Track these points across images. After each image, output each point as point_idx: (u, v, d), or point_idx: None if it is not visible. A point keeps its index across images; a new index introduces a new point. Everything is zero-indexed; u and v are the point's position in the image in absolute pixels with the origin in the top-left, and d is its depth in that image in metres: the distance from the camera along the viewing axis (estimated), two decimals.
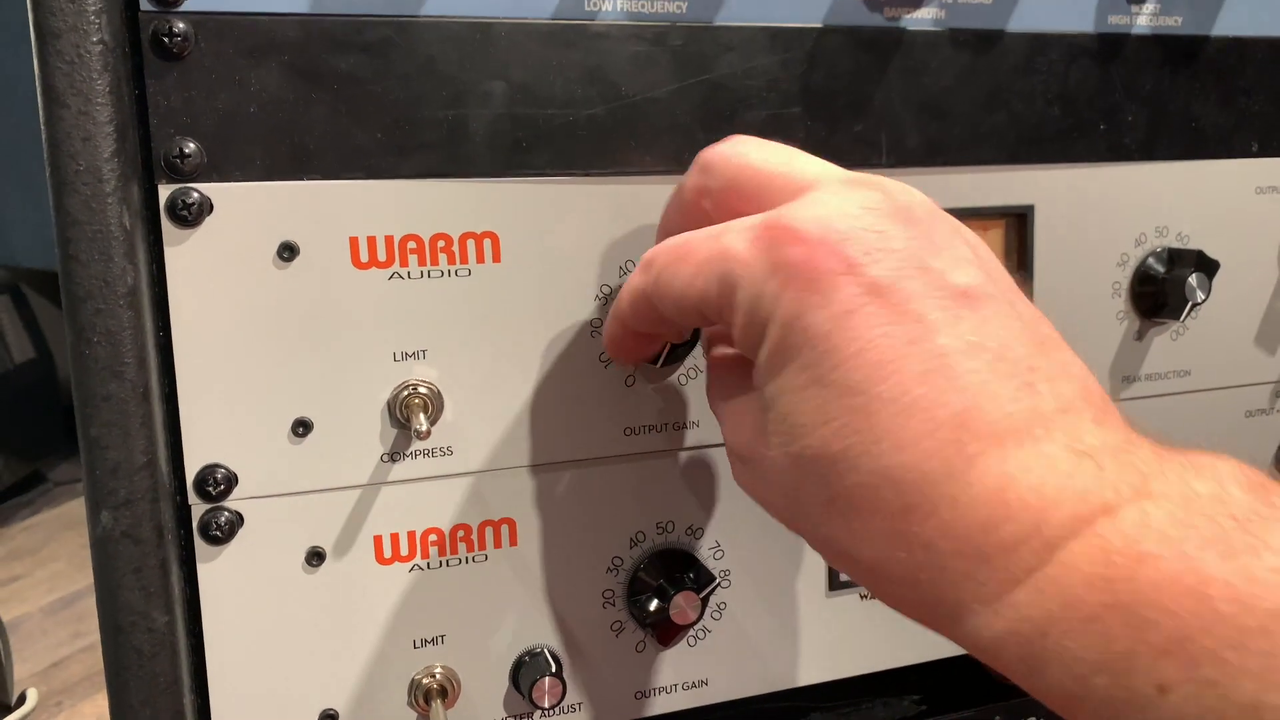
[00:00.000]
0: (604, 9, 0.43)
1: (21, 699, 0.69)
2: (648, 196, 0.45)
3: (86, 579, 1.91)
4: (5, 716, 0.66)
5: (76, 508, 2.20)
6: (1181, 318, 0.53)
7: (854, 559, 0.32)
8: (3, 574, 1.95)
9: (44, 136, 0.36)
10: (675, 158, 0.45)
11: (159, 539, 0.39)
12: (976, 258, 0.34)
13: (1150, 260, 0.54)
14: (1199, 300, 0.52)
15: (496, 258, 0.43)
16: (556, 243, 0.44)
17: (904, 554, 0.30)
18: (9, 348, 2.10)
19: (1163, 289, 0.53)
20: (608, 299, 0.45)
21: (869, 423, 0.30)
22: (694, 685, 0.49)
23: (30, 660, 1.69)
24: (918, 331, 0.31)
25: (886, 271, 0.32)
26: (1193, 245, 0.55)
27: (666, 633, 0.47)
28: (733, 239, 0.34)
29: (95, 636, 1.77)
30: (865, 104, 0.48)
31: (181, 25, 0.38)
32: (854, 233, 0.32)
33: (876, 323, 0.31)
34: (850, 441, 0.31)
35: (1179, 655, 0.26)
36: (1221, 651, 0.25)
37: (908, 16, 0.48)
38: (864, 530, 0.31)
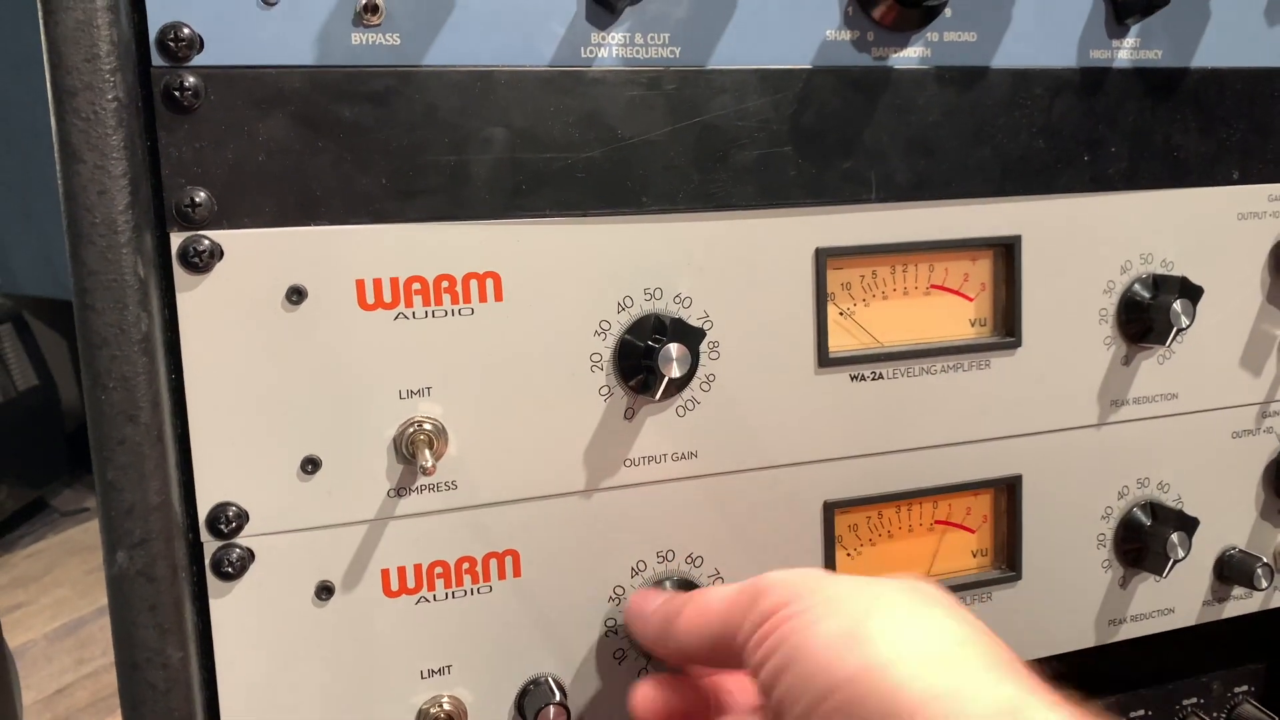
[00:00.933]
0: (600, 55, 0.45)
1: None
2: (645, 235, 0.46)
3: (89, 605, 1.91)
4: None
5: (79, 534, 2.20)
6: (1167, 342, 0.54)
7: None
8: (6, 601, 1.96)
9: (61, 190, 0.37)
10: (670, 196, 0.46)
11: (173, 577, 0.40)
12: None
13: (1136, 287, 0.55)
14: (1184, 325, 0.53)
15: (499, 297, 0.45)
16: (557, 281, 0.45)
17: None
18: (11, 375, 2.12)
19: (1148, 314, 0.55)
20: (606, 334, 0.46)
21: None
22: None
23: (35, 687, 1.69)
24: None
25: None
26: (1177, 271, 0.56)
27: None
28: None
29: (99, 663, 1.77)
30: (854, 141, 0.49)
31: (192, 79, 0.39)
32: None
33: None
34: None
35: None
36: None
37: (895, 56, 0.50)
38: None
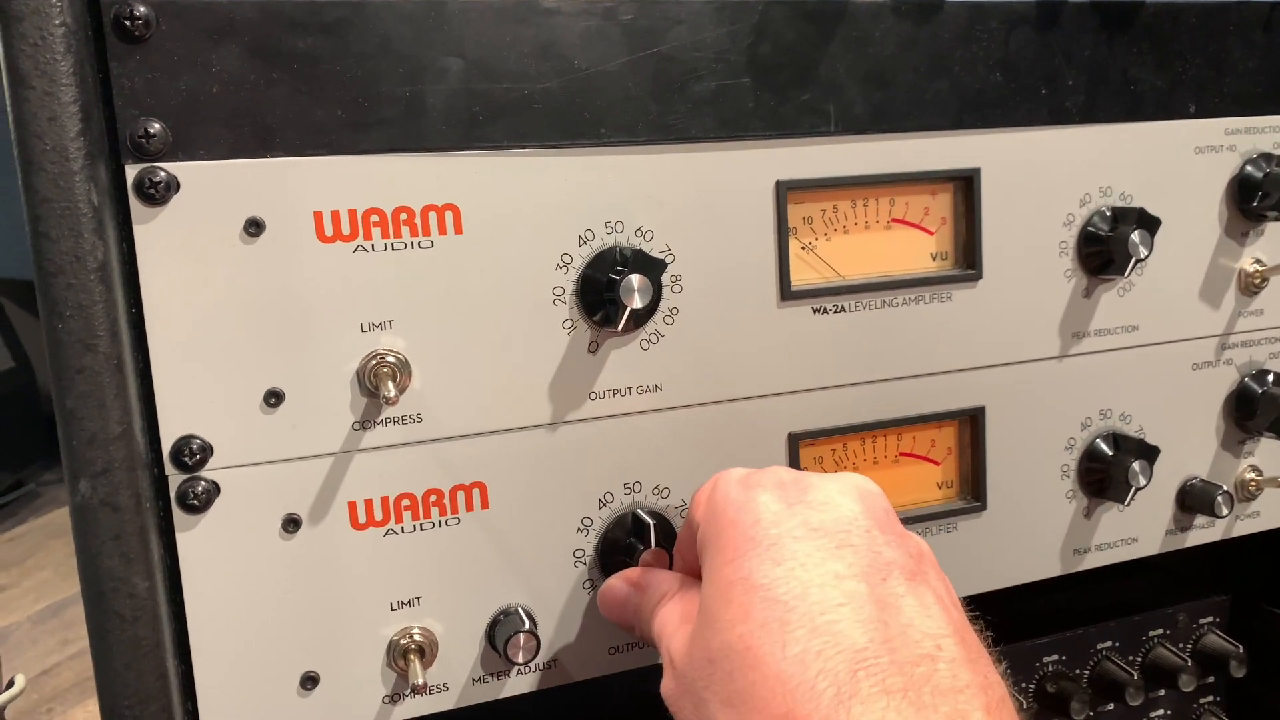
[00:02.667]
0: None
1: (10, 684, 0.71)
2: (603, 166, 0.46)
3: (72, 588, 1.91)
4: None
5: (61, 516, 2.19)
6: (1126, 273, 0.55)
7: None
8: None
9: (11, 117, 0.37)
10: (628, 128, 0.46)
11: (137, 507, 0.40)
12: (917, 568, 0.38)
13: (1095, 219, 0.56)
14: (1142, 256, 0.54)
15: (458, 229, 0.45)
16: (516, 213, 0.45)
17: None
18: None
19: (1108, 246, 0.55)
20: (568, 267, 0.47)
21: (783, 629, 0.34)
22: None
23: (20, 669, 1.69)
24: (844, 570, 0.36)
25: (829, 518, 0.38)
26: (1136, 205, 0.56)
27: None
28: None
29: (84, 644, 1.77)
30: (812, 74, 0.49)
31: (143, 9, 0.39)
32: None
33: (811, 548, 0.36)
34: (761, 641, 0.34)
35: None
36: None
37: None
38: None
